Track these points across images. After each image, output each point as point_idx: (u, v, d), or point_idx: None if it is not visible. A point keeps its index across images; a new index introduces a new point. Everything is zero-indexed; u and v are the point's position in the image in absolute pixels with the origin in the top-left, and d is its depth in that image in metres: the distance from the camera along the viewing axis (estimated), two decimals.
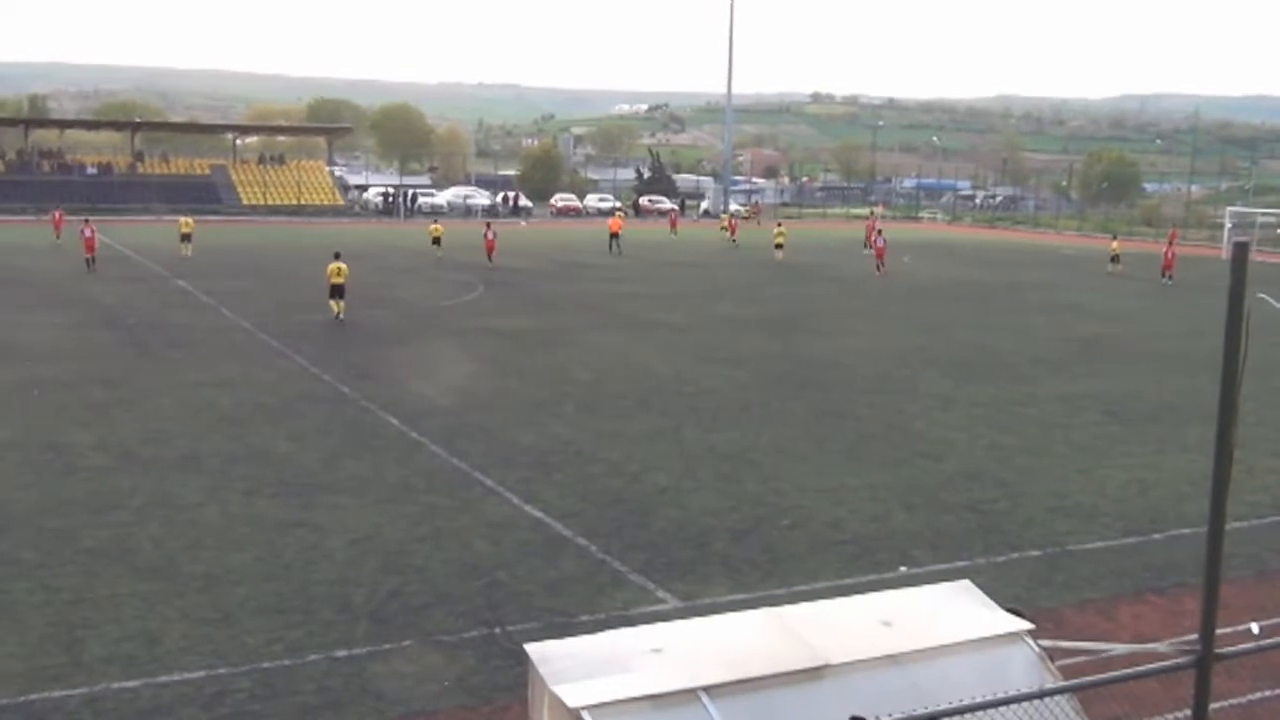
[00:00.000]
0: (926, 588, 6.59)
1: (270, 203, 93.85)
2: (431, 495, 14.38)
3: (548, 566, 11.98)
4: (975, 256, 59.93)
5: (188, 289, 36.39)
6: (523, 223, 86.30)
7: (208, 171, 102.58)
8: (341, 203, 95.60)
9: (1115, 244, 53.56)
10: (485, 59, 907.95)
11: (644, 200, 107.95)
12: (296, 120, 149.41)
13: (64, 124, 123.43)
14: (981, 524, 13.90)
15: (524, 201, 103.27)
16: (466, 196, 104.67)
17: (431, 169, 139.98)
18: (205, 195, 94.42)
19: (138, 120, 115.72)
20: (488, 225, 52.03)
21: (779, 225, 59.01)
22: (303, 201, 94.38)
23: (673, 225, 73.27)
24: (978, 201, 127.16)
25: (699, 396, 21.14)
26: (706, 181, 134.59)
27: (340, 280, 30.75)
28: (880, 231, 52.11)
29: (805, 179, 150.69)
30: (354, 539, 12.63)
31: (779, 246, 53.19)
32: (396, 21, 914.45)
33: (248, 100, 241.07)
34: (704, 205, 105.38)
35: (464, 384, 21.79)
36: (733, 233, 66.16)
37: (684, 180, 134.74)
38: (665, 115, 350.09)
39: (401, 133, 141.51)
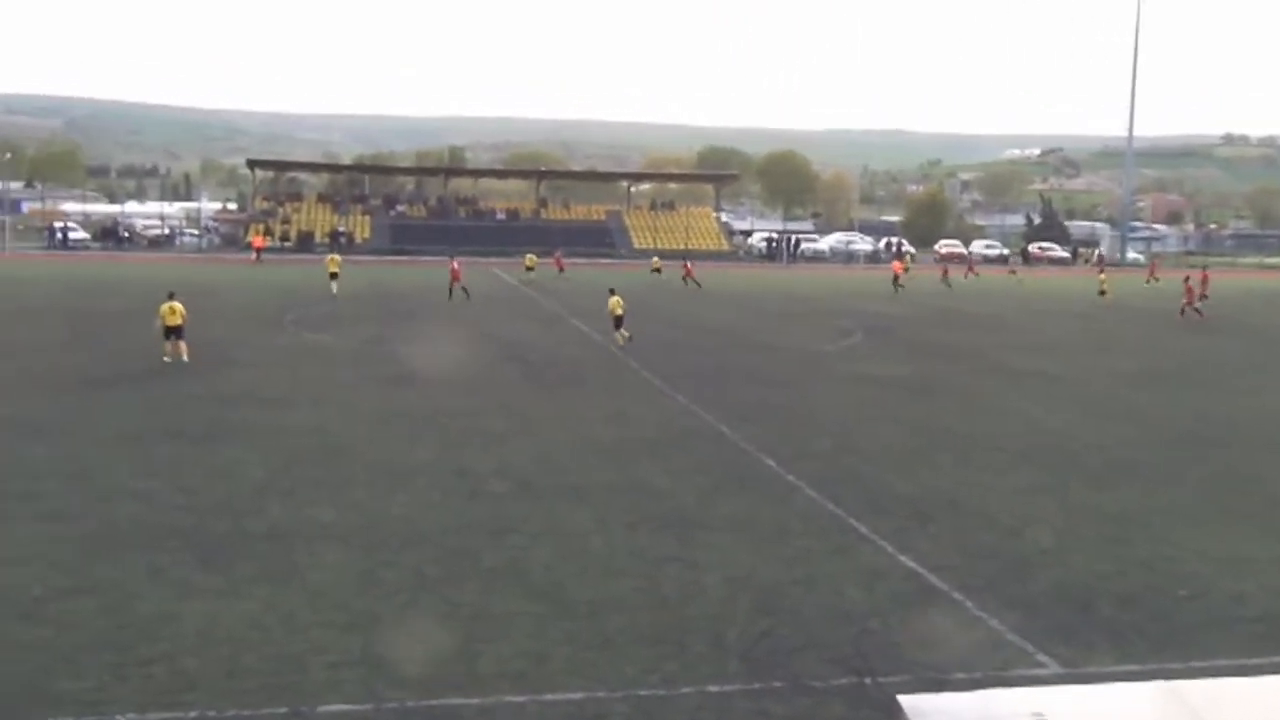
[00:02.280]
0: None
1: (660, 247, 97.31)
2: (806, 539, 14.41)
3: (921, 619, 11.71)
4: None
5: (582, 328, 38.36)
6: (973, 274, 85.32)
7: (604, 217, 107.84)
8: (727, 247, 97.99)
9: None
10: (872, 104, 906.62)
11: (1034, 247, 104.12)
12: (687, 168, 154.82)
13: (478, 173, 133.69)
14: None
15: (907, 247, 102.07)
16: (849, 242, 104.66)
17: (814, 214, 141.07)
18: (600, 239, 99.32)
19: (542, 169, 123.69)
20: (685, 261, 63.97)
21: (1101, 273, 61.48)
22: (690, 246, 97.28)
23: (944, 275, 66.73)
24: None
25: (1083, 451, 20.08)
26: (1101, 228, 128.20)
27: (620, 313, 33.72)
28: (1187, 278, 50.78)
29: (1213, 226, 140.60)
30: (729, 577, 12.83)
31: (1102, 293, 54.88)
32: (786, 69, 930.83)
33: (643, 149, 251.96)
34: (1098, 252, 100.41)
35: (840, 429, 21.73)
36: (899, 275, 61.14)
37: (1077, 227, 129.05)
38: (1059, 159, 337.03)
39: (787, 179, 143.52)
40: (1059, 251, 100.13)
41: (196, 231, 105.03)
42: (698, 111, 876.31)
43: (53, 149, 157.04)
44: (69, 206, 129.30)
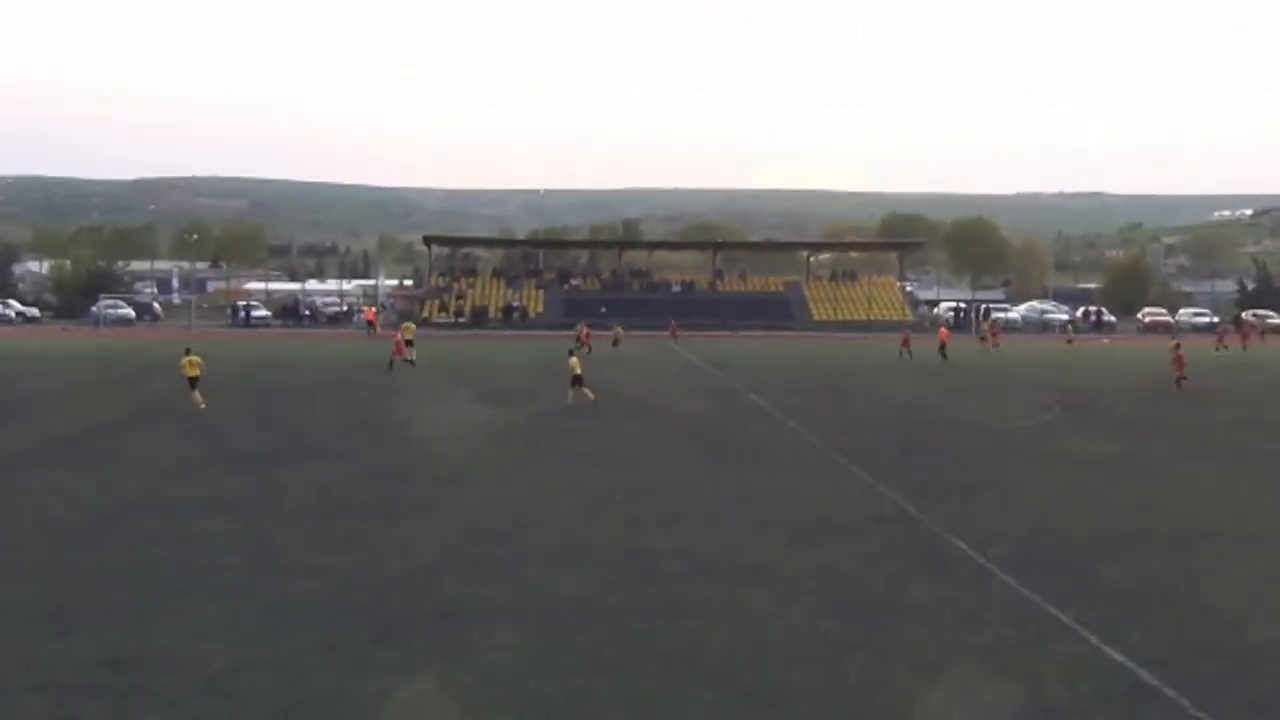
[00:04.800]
0: None
1: (840, 318, 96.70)
2: (1000, 627, 13.94)
3: (1130, 718, 11.17)
4: None
5: (759, 403, 38.25)
6: (1105, 339, 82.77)
7: (782, 288, 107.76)
8: (911, 318, 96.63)
9: None
10: (1066, 167, 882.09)
11: (1247, 315, 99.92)
12: (868, 236, 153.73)
13: (652, 245, 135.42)
14: None
15: (1107, 316, 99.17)
16: (1043, 311, 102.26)
17: (1005, 283, 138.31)
18: (779, 311, 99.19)
19: (718, 240, 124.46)
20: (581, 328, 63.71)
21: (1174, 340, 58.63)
22: (872, 317, 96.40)
23: (1070, 340, 75.50)
24: None
25: None
26: None
27: (579, 372, 36.29)
28: (1177, 345, 47.95)
29: None
30: (918, 666, 12.50)
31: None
32: (973, 134, 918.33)
33: (822, 218, 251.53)
34: None
35: (1037, 510, 21.04)
36: (990, 339, 64.19)
37: None
38: (1274, 220, 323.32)
39: (975, 246, 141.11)
40: (1277, 319, 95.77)
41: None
42: (879, 178, 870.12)
43: (238, 229, 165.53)
44: (252, 285, 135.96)
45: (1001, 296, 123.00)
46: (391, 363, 49.72)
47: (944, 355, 59.67)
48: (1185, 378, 43.78)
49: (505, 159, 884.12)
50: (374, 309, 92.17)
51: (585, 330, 63.22)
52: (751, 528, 19.36)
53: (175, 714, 10.86)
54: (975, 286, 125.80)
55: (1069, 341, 77.27)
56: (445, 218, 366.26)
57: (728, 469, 25.47)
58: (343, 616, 13.94)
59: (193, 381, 35.43)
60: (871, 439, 30.12)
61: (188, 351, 36.17)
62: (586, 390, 36.29)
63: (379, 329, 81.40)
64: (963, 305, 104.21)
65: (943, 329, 65.39)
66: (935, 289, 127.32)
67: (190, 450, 27.36)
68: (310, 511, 20.24)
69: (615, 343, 64.96)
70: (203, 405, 34.70)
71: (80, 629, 13.38)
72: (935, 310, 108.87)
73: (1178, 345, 47.81)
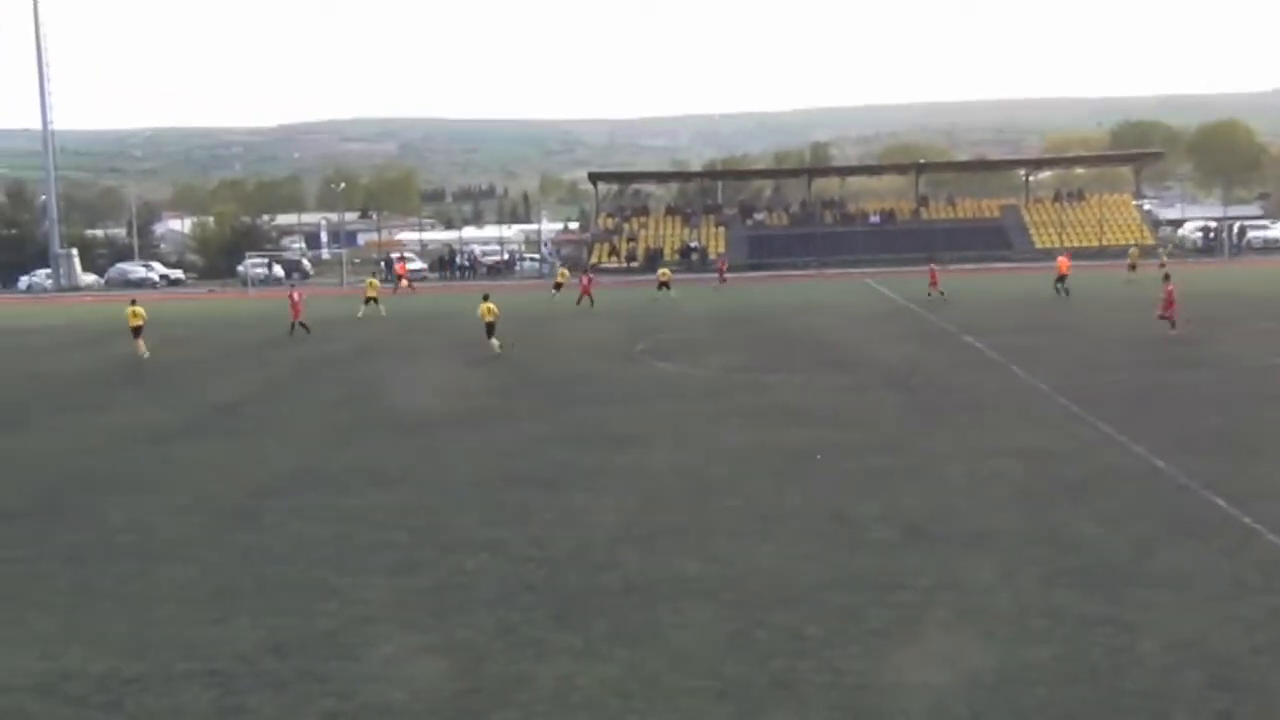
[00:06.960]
0: None
1: (1067, 245, 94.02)
2: (1271, 596, 13.48)
3: None
4: None
5: (975, 344, 37.63)
6: None
7: (997, 214, 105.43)
8: (1151, 241, 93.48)
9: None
10: None
11: None
12: (1097, 149, 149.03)
13: (845, 171, 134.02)
14: None
15: None
16: None
17: (1262, 195, 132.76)
18: (993, 240, 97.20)
19: (921, 162, 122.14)
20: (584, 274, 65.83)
21: None
22: (1105, 243, 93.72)
23: (1161, 265, 59.17)
24: None
25: None
26: None
27: (491, 320, 39.65)
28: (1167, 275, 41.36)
29: None
30: (1172, 643, 12.17)
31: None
32: (1214, 23, 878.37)
33: (1041, 130, 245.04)
34: None
35: None
36: (1064, 276, 56.81)
37: None
38: None
39: (1226, 154, 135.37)
40: None
41: (536, 256, 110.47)
42: (1107, 81, 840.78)
43: (387, 175, 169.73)
44: (405, 236, 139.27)
45: (1259, 212, 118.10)
46: (293, 327, 48.75)
47: (1065, 290, 55.52)
48: (1168, 319, 38.26)
49: (675, 83, 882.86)
50: (404, 261, 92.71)
51: (586, 278, 64.00)
52: (970, 488, 19.11)
53: (345, 703, 11.28)
54: (1227, 201, 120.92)
55: (1161, 265, 66.52)
56: (611, 152, 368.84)
57: (941, 422, 25.15)
58: (518, 596, 14.26)
59: (136, 331, 42.35)
60: (1108, 382, 29.36)
61: (133, 303, 43.59)
62: (496, 341, 39.36)
63: (407, 283, 79.86)
64: (1213, 225, 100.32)
65: (1061, 260, 59.76)
66: (1179, 207, 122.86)
67: (345, 418, 28.31)
68: (477, 482, 20.73)
69: (661, 285, 64.26)
70: (145, 355, 41.58)
71: (241, 612, 13.99)
72: (1180, 231, 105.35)
73: (1167, 277, 41.00)
